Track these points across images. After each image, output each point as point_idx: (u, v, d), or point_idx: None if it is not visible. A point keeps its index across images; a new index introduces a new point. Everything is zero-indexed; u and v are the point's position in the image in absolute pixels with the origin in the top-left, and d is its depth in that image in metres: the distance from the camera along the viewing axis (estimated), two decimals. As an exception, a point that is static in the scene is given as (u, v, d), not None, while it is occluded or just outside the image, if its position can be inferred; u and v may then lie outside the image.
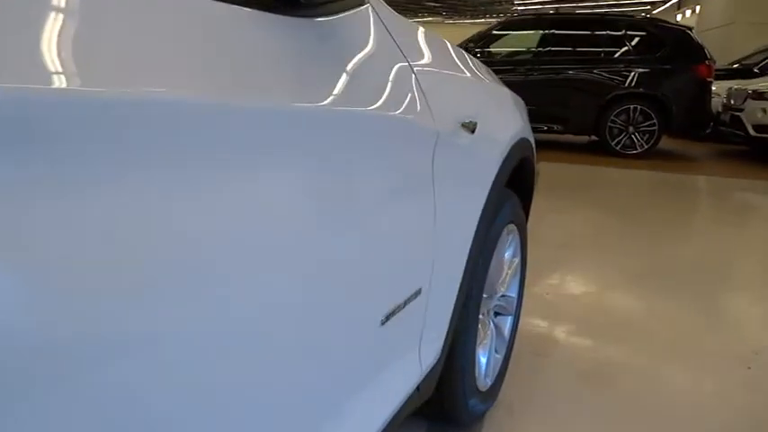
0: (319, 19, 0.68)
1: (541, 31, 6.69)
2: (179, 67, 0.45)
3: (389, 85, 0.77)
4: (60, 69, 0.35)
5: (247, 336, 0.52)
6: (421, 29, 1.09)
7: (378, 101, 0.72)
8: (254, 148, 0.51)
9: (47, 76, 0.34)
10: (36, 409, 0.34)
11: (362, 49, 0.75)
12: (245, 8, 0.56)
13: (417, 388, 0.98)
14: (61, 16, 0.38)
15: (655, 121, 6.17)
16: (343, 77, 0.68)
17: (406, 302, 0.85)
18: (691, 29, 6.48)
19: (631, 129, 6.27)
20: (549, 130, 6.51)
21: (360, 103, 0.68)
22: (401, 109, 0.78)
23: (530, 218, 1.79)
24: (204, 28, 0.50)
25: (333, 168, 0.63)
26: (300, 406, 0.65)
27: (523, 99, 1.76)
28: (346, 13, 0.74)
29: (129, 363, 0.40)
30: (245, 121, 0.50)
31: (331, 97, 0.63)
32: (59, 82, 0.34)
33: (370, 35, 0.80)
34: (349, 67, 0.70)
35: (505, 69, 6.37)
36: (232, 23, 0.54)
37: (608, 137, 6.36)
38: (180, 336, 0.44)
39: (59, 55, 0.35)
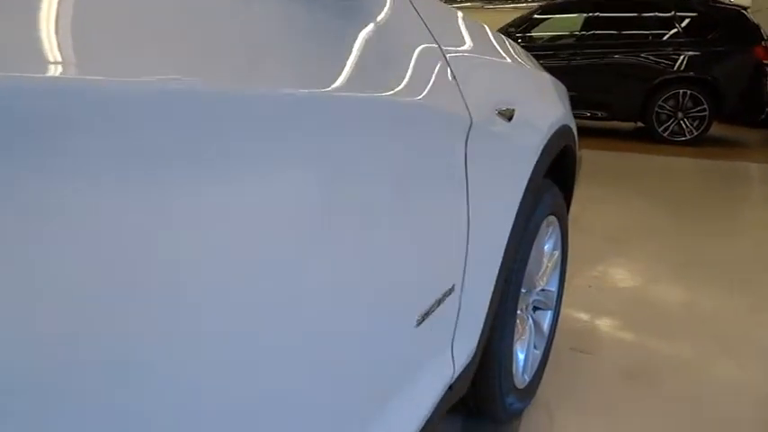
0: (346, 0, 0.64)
1: (585, 14, 6.48)
2: (190, 51, 0.41)
3: (418, 70, 0.73)
4: (56, 58, 0.32)
5: (282, 339, 0.51)
6: (457, 12, 1.04)
7: (404, 87, 0.68)
8: (274, 138, 0.47)
9: (64, 65, 0.32)
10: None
11: (390, 33, 0.71)
12: None
13: (450, 387, 0.95)
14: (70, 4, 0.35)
15: (705, 106, 5.92)
16: (370, 62, 0.64)
17: (439, 301, 0.82)
18: (746, 8, 6.18)
19: (680, 114, 6.03)
20: (593, 117, 6.33)
21: (384, 90, 0.64)
22: (430, 96, 0.74)
23: (572, 208, 1.73)
24: (219, 7, 0.46)
25: (361, 160, 0.59)
26: (332, 412, 0.62)
27: (566, 85, 1.70)
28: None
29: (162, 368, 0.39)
30: (261, 109, 0.46)
31: (357, 84, 0.59)
32: (55, 70, 0.32)
33: (398, 18, 0.75)
34: (376, 51, 0.66)
35: (547, 55, 6.21)
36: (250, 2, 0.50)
37: (655, 123, 6.14)
38: (212, 338, 0.43)
39: (61, 41, 0.33)
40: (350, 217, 0.58)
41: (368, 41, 0.65)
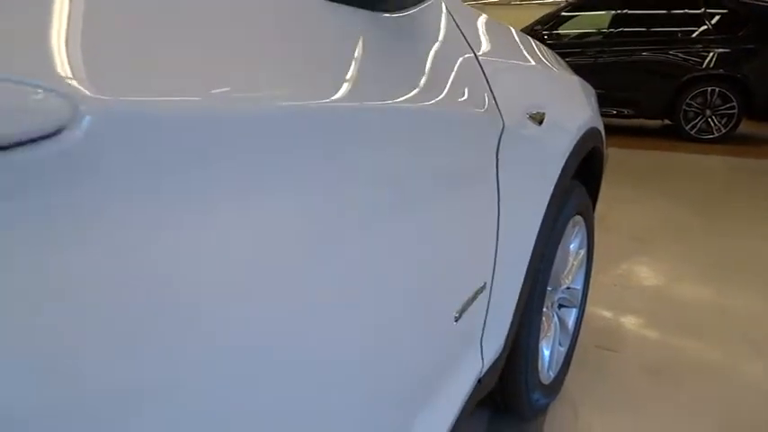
0: (395, 14, 0.67)
1: (612, 11, 6.43)
2: (242, 67, 0.43)
3: (457, 78, 0.77)
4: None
5: (339, 336, 0.54)
6: (485, 17, 1.07)
7: (445, 95, 0.72)
8: (325, 146, 0.50)
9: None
10: None
11: (433, 44, 0.75)
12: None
13: (479, 381, 0.98)
14: (151, 18, 0.37)
15: (734, 103, 5.84)
16: (415, 73, 0.67)
17: (472, 299, 0.85)
18: (777, 5, 6.06)
19: (708, 112, 5.96)
20: (619, 115, 6.29)
21: (427, 97, 0.68)
22: (466, 102, 0.77)
23: (599, 207, 1.75)
24: (276, 18, 0.49)
25: (402, 165, 0.62)
26: (381, 407, 0.66)
27: (593, 82, 1.71)
28: (419, 7, 0.73)
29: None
30: (316, 118, 0.49)
31: (403, 92, 0.63)
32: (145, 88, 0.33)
33: (440, 29, 0.79)
34: (421, 62, 0.70)
35: (574, 52, 6.17)
36: (306, 14, 0.53)
37: (683, 121, 6.07)
38: (268, 338, 0.44)
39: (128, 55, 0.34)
40: (397, 217, 0.61)
41: (411, 51, 0.69)
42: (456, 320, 0.80)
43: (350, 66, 0.57)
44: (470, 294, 0.84)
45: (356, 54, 0.58)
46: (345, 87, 0.54)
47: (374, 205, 0.57)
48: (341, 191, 0.52)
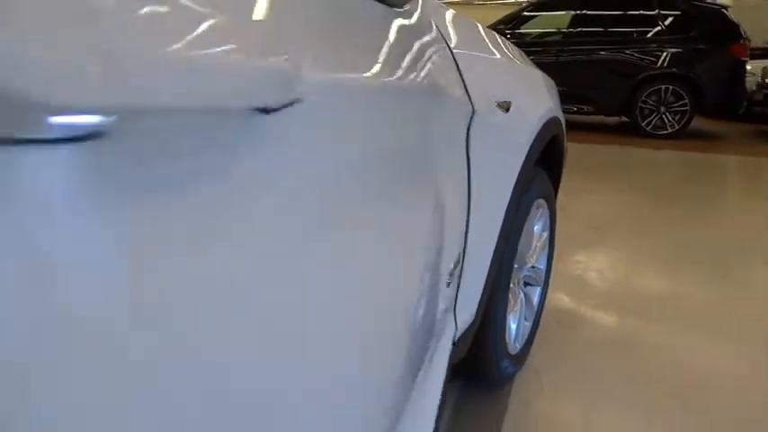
0: (397, 8, 0.76)
1: (572, 12, 6.65)
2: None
3: (434, 67, 0.85)
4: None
5: (351, 294, 0.58)
6: (454, 12, 1.15)
7: (423, 81, 0.80)
8: (326, 125, 0.51)
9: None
10: None
11: (417, 36, 0.84)
12: None
13: (454, 343, 1.08)
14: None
15: (687, 101, 6.12)
16: (402, 60, 0.74)
17: (454, 266, 0.94)
18: (726, 7, 6.37)
19: (662, 109, 6.23)
20: (579, 111, 6.51)
21: (408, 83, 0.75)
22: (441, 89, 0.86)
23: (559, 197, 1.87)
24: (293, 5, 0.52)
25: (390, 142, 0.68)
26: (391, 361, 0.74)
27: (554, 80, 1.83)
28: (409, 3, 0.82)
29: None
30: (320, 100, 0.50)
31: (389, 76, 0.69)
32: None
33: (421, 23, 0.88)
34: (407, 51, 0.78)
35: (535, 51, 6.36)
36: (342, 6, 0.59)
37: (638, 117, 6.33)
38: (268, 325, 0.44)
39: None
40: (381, 194, 0.66)
41: (404, 41, 0.77)
42: (448, 285, 0.89)
43: (371, 50, 0.65)
44: (453, 263, 0.94)
45: (375, 40, 0.67)
46: (368, 70, 0.61)
47: (367, 180, 0.62)
48: (341, 170, 0.55)
